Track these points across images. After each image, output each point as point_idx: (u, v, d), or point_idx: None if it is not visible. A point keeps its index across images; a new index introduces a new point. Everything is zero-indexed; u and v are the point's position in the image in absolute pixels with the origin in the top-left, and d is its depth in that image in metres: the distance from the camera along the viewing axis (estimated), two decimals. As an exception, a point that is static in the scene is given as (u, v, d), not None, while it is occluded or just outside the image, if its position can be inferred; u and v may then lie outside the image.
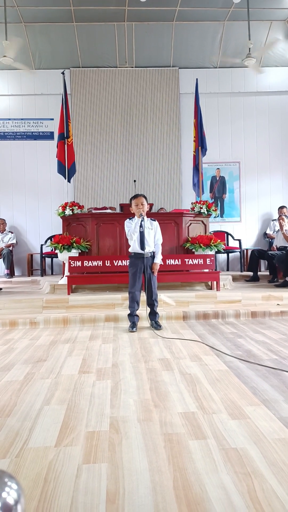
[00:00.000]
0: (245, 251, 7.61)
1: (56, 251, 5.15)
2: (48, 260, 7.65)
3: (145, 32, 7.41)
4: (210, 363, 2.50)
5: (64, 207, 5.29)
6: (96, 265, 4.85)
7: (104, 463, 1.33)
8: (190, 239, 5.28)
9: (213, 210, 5.50)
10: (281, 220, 6.34)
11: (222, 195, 8.08)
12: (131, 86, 7.90)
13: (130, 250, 3.71)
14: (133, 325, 3.63)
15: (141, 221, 3.61)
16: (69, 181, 5.96)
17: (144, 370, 2.37)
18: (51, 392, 2.04)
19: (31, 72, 6.93)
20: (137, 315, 3.72)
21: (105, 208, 5.89)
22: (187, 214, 5.44)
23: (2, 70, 7.63)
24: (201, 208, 5.45)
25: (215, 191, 8.08)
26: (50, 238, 7.37)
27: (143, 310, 3.83)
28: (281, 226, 6.29)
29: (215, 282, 4.95)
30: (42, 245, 7.17)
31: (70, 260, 4.84)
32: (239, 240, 7.30)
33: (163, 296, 4.49)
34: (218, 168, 8.05)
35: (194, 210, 5.49)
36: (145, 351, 2.84)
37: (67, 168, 5.78)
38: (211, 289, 5.04)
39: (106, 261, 4.87)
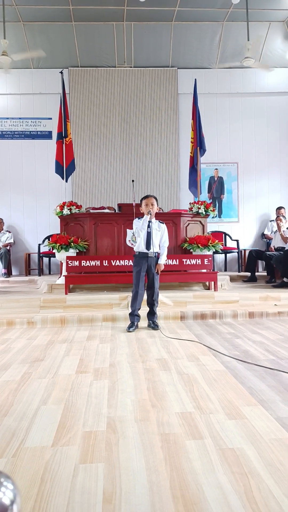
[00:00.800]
0: (242, 251, 7.62)
1: (53, 251, 5.15)
2: (45, 259, 7.64)
3: (144, 32, 7.41)
4: (208, 363, 2.50)
5: (62, 207, 5.28)
6: (93, 265, 4.84)
7: (101, 463, 1.33)
8: (188, 239, 5.28)
9: (211, 210, 5.51)
10: (278, 221, 6.35)
11: (220, 195, 8.09)
12: (129, 86, 7.90)
13: (135, 249, 3.75)
14: (132, 325, 3.63)
15: (149, 221, 3.63)
16: (66, 180, 5.95)
17: (142, 370, 2.37)
18: (48, 392, 2.03)
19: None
20: (138, 315, 3.71)
21: (103, 208, 5.89)
22: (185, 214, 5.44)
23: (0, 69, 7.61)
24: (199, 208, 5.45)
25: (213, 192, 8.09)
26: (48, 237, 7.36)
27: (142, 310, 3.82)
28: (278, 226, 6.31)
29: (212, 283, 4.95)
30: (39, 244, 7.16)
31: (67, 260, 4.84)
32: (237, 241, 7.31)
33: (161, 296, 4.48)
34: (216, 169, 8.06)
35: (192, 211, 5.49)
36: (143, 351, 2.84)
37: (64, 168, 5.77)
38: (208, 289, 5.05)
39: (104, 261, 4.86)
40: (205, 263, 4.97)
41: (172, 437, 1.50)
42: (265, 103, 8.12)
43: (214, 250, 5.29)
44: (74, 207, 5.29)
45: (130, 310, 3.72)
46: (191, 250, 5.17)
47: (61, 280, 5.02)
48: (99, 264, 4.85)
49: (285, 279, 5.31)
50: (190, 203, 5.62)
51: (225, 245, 7.54)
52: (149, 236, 3.62)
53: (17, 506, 0.55)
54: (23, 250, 7.81)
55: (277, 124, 8.14)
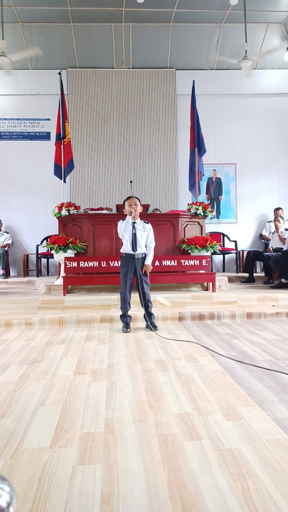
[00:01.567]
0: (241, 252, 7.63)
1: (52, 252, 5.14)
2: (44, 260, 7.63)
3: (142, 33, 7.42)
4: (206, 364, 2.50)
5: (60, 208, 5.28)
6: (92, 265, 4.84)
7: (99, 464, 1.33)
8: (186, 240, 5.29)
9: (209, 211, 5.51)
10: (276, 222, 6.37)
11: (218, 196, 8.10)
12: (128, 87, 7.90)
13: (121, 250, 3.73)
14: (127, 326, 3.64)
15: (134, 222, 3.62)
16: (65, 180, 5.95)
17: (140, 371, 2.37)
18: (46, 393, 2.03)
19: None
20: (130, 316, 3.72)
21: (101, 208, 5.89)
22: (183, 215, 5.44)
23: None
24: (197, 209, 5.46)
25: (211, 193, 8.10)
26: (46, 238, 7.35)
27: (137, 311, 3.83)
28: (276, 227, 6.32)
29: (211, 283, 4.96)
30: (38, 245, 7.15)
31: (66, 261, 4.83)
32: (235, 242, 7.32)
33: (158, 297, 4.49)
34: (214, 170, 8.07)
35: (190, 211, 5.50)
36: (141, 352, 2.84)
37: (63, 169, 5.77)
38: (206, 290, 5.05)
39: (102, 262, 4.86)
40: (203, 264, 4.97)
41: (170, 438, 1.50)
42: (263, 104, 8.14)
43: (212, 251, 5.30)
44: (72, 208, 5.28)
45: (121, 312, 3.72)
46: (189, 251, 5.18)
47: (59, 281, 5.01)
48: (97, 265, 4.84)
49: (283, 280, 5.32)
50: (188, 204, 5.63)
51: (223, 246, 7.55)
52: (135, 238, 3.61)
53: (13, 508, 0.55)
54: (21, 251, 7.81)
55: (275, 125, 8.16)
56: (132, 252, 3.62)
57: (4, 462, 1.36)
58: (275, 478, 1.23)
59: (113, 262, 4.86)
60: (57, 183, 6.86)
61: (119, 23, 7.27)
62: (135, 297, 3.78)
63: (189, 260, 4.97)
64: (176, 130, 7.96)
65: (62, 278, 4.80)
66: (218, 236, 7.53)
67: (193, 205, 5.50)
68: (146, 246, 3.73)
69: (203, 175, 6.12)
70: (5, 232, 7.54)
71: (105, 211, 5.57)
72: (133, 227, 3.61)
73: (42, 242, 7.35)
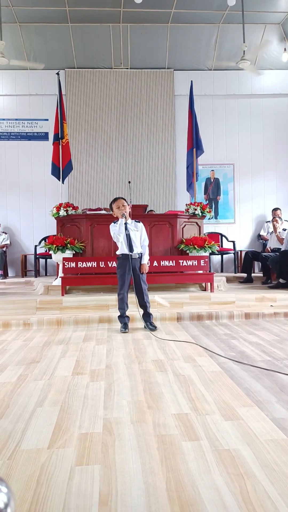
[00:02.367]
0: (239, 252, 7.64)
1: (50, 252, 5.13)
2: (42, 261, 7.62)
3: (140, 33, 7.42)
4: (204, 364, 2.50)
5: (58, 208, 5.28)
6: (90, 266, 4.84)
7: (97, 465, 1.33)
8: (184, 241, 5.29)
9: (207, 211, 5.52)
10: (274, 222, 6.38)
11: (217, 196, 8.11)
12: (126, 88, 7.91)
13: (117, 252, 3.71)
14: (125, 326, 3.63)
15: (125, 223, 3.61)
16: (63, 181, 5.95)
17: (138, 372, 2.37)
18: (44, 393, 2.03)
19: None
20: (128, 316, 3.72)
21: (99, 209, 5.89)
22: (182, 215, 5.45)
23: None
24: (195, 209, 5.46)
25: (209, 193, 8.11)
26: (44, 239, 7.34)
27: (135, 312, 3.83)
28: (274, 228, 6.34)
29: (209, 284, 4.96)
30: (36, 246, 7.14)
31: (64, 261, 4.83)
32: (233, 242, 7.33)
33: (157, 297, 4.49)
34: (212, 170, 8.08)
35: (189, 212, 5.50)
36: (139, 352, 2.84)
37: (61, 169, 5.77)
38: (205, 290, 5.06)
39: (100, 262, 4.86)
40: (202, 264, 4.98)
41: (168, 439, 1.50)
42: (261, 104, 8.15)
43: (211, 251, 5.30)
44: (71, 208, 5.28)
45: (119, 313, 3.71)
46: (188, 251, 5.18)
47: (58, 282, 5.01)
48: (95, 266, 4.84)
49: (281, 280, 5.33)
50: (186, 205, 5.63)
51: (222, 246, 7.56)
52: (129, 238, 3.60)
53: (11, 509, 0.55)
54: (19, 252, 7.79)
55: (273, 126, 8.18)
56: (128, 253, 3.62)
57: (2, 463, 1.36)
58: (273, 479, 1.23)
59: (111, 262, 4.86)
60: (55, 183, 6.86)
61: (117, 24, 7.27)
62: (132, 297, 3.77)
63: (187, 261, 4.97)
64: (174, 130, 7.97)
65: (60, 278, 4.80)
66: (216, 237, 7.53)
67: (191, 206, 5.51)
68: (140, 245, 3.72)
69: (198, 176, 6.12)
70: (3, 232, 7.52)
71: (103, 212, 5.57)
72: (126, 228, 3.60)
73: (40, 242, 7.34)
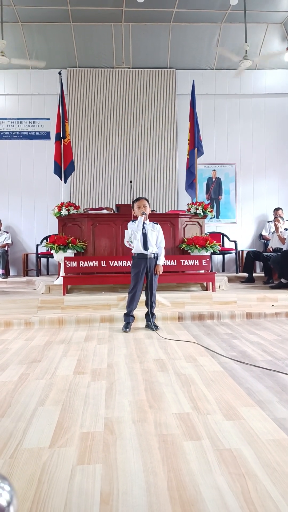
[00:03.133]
0: (240, 252, 7.63)
1: (51, 251, 5.14)
2: (43, 260, 7.63)
3: (142, 33, 7.42)
4: (205, 364, 2.50)
5: (60, 207, 5.28)
6: (91, 265, 4.84)
7: (99, 464, 1.33)
8: (186, 240, 5.29)
9: (209, 211, 5.51)
10: (276, 222, 6.37)
11: (218, 196, 8.10)
12: (128, 87, 7.90)
13: (133, 251, 3.73)
14: (127, 325, 3.64)
15: (144, 223, 3.63)
16: (65, 181, 5.95)
17: (139, 371, 2.37)
18: (46, 393, 2.03)
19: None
20: (133, 316, 3.72)
21: (101, 208, 5.88)
22: (183, 215, 5.44)
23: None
24: (197, 209, 5.46)
25: (211, 193, 8.10)
26: (45, 238, 7.35)
27: (137, 311, 3.83)
28: (276, 227, 6.33)
29: (210, 283, 4.96)
30: (37, 245, 7.15)
31: (65, 261, 4.83)
32: (235, 241, 7.32)
33: (158, 297, 4.49)
34: (214, 170, 8.07)
35: (190, 211, 5.50)
36: (140, 352, 2.84)
37: (63, 169, 5.77)
38: (206, 290, 5.05)
39: (101, 261, 4.86)
40: (203, 264, 4.98)
41: (169, 438, 1.50)
42: (263, 104, 8.14)
43: (212, 251, 5.30)
44: (72, 207, 5.28)
45: (126, 311, 3.72)
46: (189, 251, 5.18)
47: (59, 281, 5.01)
48: (97, 265, 4.84)
49: (282, 280, 5.32)
50: (188, 204, 5.63)
51: (223, 246, 7.55)
52: (145, 237, 3.63)
53: (13, 508, 0.55)
54: (21, 251, 7.80)
55: (274, 126, 8.16)
56: (144, 252, 3.63)
57: (4, 462, 1.36)
58: (275, 478, 1.23)
59: (112, 262, 4.86)
60: (57, 182, 6.87)
61: (119, 23, 7.27)
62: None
63: (188, 260, 4.97)
64: (176, 129, 7.96)
65: (62, 277, 4.80)
66: (217, 236, 7.53)
67: (193, 205, 5.50)
68: (156, 245, 3.74)
69: (194, 177, 6.10)
70: (5, 231, 7.53)
71: (105, 211, 5.57)
72: (143, 227, 3.63)
73: (42, 241, 7.35)
